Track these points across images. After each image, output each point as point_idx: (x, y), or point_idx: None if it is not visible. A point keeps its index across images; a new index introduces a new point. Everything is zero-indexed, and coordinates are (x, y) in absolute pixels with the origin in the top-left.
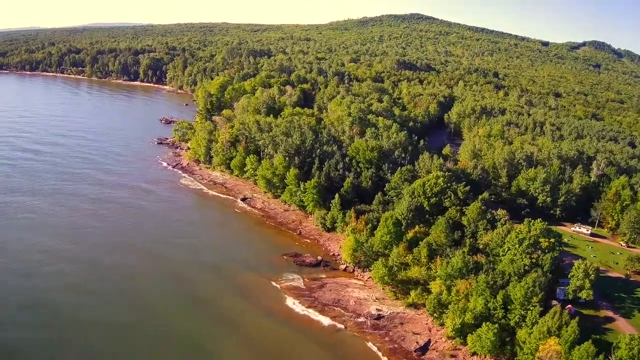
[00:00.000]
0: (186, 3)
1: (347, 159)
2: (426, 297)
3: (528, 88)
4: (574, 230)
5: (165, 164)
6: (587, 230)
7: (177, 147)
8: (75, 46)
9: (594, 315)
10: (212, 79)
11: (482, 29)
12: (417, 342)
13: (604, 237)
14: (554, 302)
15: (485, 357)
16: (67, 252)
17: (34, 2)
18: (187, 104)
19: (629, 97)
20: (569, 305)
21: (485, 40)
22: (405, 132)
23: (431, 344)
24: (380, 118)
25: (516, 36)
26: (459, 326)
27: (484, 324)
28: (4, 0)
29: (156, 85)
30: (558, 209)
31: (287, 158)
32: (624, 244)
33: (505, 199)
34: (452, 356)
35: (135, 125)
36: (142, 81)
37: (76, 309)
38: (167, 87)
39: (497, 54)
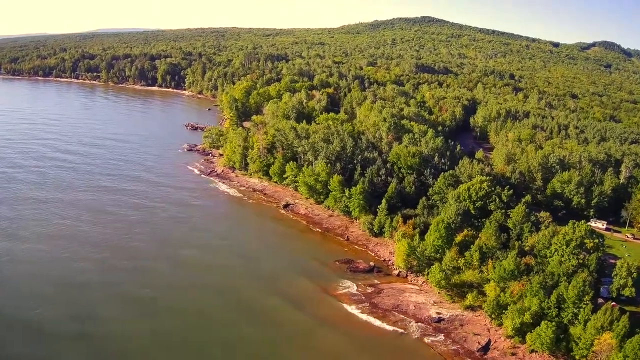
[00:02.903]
0: (195, 8)
1: (388, 165)
2: (482, 299)
3: (545, 90)
4: (589, 225)
5: (198, 171)
6: (603, 225)
7: (208, 154)
8: (88, 52)
9: (636, 312)
10: (233, 83)
11: (493, 31)
12: (478, 343)
13: (618, 232)
14: (600, 300)
15: (543, 353)
16: (138, 250)
17: (39, 9)
18: (209, 109)
19: None
20: (613, 303)
21: (497, 42)
22: (441, 137)
23: (492, 344)
24: (413, 123)
25: (527, 37)
26: (518, 325)
27: (542, 322)
28: (10, 6)
29: (175, 90)
30: (592, 210)
31: (328, 164)
32: (631, 236)
33: (541, 202)
34: (512, 354)
35: (161, 131)
36: (160, 86)
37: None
38: (186, 92)
39: (509, 55)
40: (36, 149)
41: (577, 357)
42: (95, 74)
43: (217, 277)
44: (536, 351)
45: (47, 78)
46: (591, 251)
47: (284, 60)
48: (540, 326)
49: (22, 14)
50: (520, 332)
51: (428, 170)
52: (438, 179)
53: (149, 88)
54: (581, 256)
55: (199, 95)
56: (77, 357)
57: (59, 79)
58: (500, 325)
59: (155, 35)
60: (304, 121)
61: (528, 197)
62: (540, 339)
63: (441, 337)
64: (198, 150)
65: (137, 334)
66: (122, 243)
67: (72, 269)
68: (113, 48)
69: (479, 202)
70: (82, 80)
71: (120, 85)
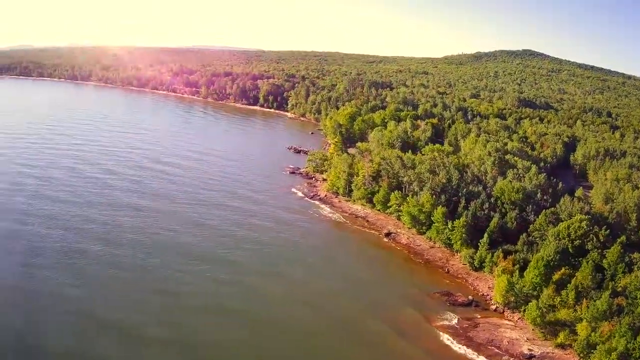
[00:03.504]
0: (297, 31)
1: (492, 200)
2: (573, 337)
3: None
4: None
5: (301, 193)
6: None
7: (311, 178)
8: (187, 66)
9: None
10: (337, 108)
11: (592, 67)
12: None
13: None
14: None
15: None
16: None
17: (133, 21)
18: (312, 132)
19: None
20: None
21: (594, 78)
22: (544, 174)
23: None
24: (517, 158)
25: (623, 74)
26: None
27: None
28: (105, 17)
29: (277, 111)
30: None
31: (433, 196)
32: None
33: (634, 242)
34: None
35: (263, 151)
36: (261, 106)
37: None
38: (288, 114)
39: (606, 92)
40: (133, 158)
41: None
42: (194, 89)
43: (321, 297)
44: None
45: (141, 89)
46: None
47: (388, 88)
48: None
49: (117, 24)
50: None
51: (530, 206)
52: (539, 216)
53: (250, 107)
54: None
55: (302, 118)
56: None
57: (155, 90)
58: None
59: (257, 55)
60: (409, 151)
61: (623, 238)
62: None
63: None
64: (301, 174)
65: (234, 346)
66: (221, 256)
67: (167, 278)
68: (213, 65)
69: (577, 241)
70: (179, 95)
71: (220, 102)
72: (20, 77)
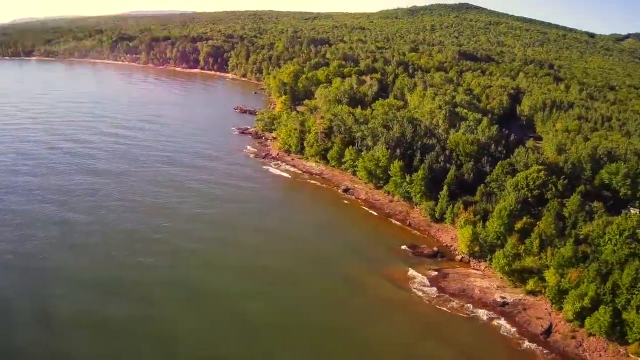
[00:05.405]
0: None
1: (447, 152)
2: (542, 284)
3: (584, 81)
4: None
5: (253, 154)
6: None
7: (261, 137)
8: (126, 33)
9: None
10: (279, 67)
11: (530, 20)
12: (541, 326)
13: None
14: None
15: (600, 337)
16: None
17: None
18: (255, 92)
19: None
20: None
21: (534, 31)
22: (496, 125)
23: (553, 327)
24: (467, 111)
25: (564, 27)
26: (578, 310)
27: (601, 307)
28: None
29: (218, 73)
30: (637, 201)
31: (389, 150)
32: None
33: (590, 192)
34: (572, 337)
35: (209, 113)
36: (202, 69)
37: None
38: (229, 75)
39: (547, 44)
40: (94, 127)
41: (630, 341)
42: (134, 55)
43: (313, 251)
44: (594, 335)
45: (83, 59)
46: None
47: (326, 45)
48: (598, 311)
49: None
50: (580, 316)
51: (485, 157)
52: (495, 167)
53: (191, 70)
54: (633, 245)
55: (243, 78)
56: None
57: (96, 60)
58: (560, 309)
59: (192, 17)
60: (358, 106)
61: (582, 187)
62: (599, 323)
63: (507, 320)
64: (250, 134)
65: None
66: (195, 214)
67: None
68: (151, 30)
69: (537, 191)
70: (120, 62)
71: (160, 67)
72: None
